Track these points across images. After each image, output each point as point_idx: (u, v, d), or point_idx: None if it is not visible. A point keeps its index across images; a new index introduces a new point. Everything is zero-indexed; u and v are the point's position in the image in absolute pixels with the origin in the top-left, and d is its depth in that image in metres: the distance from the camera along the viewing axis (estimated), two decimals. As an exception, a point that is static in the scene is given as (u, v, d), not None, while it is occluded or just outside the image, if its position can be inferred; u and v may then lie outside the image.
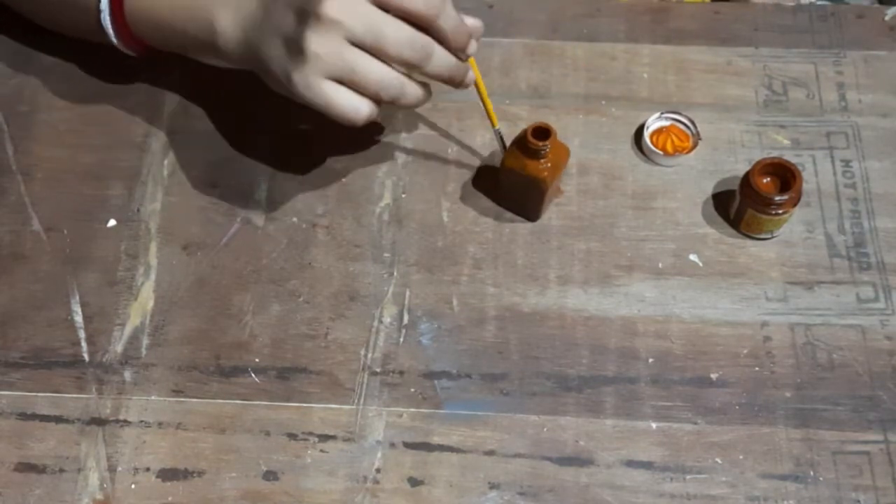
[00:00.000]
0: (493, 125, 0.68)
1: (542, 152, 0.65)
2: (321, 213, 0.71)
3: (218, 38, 0.63)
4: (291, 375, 0.65)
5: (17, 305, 0.67)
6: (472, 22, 0.63)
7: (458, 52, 0.61)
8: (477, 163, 0.73)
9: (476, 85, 0.66)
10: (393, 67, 0.59)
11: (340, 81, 0.58)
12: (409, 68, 0.59)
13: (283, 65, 0.58)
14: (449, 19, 0.59)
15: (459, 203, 0.71)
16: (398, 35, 0.57)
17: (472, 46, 0.62)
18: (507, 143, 0.68)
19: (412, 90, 0.60)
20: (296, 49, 0.57)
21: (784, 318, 0.66)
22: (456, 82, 0.63)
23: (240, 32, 0.62)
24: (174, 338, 0.66)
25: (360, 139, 0.73)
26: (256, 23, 0.60)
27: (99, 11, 0.66)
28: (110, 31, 0.68)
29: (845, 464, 0.61)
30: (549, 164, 0.66)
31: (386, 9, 0.57)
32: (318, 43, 0.56)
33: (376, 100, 0.59)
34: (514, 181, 0.67)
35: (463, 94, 0.75)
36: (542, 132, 0.65)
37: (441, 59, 0.60)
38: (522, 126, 0.73)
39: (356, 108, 0.58)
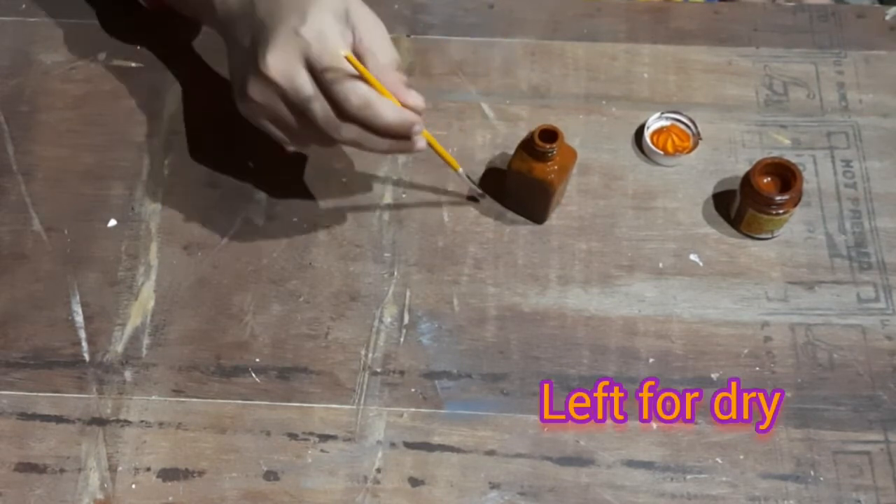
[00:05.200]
0: (454, 169, 0.67)
1: (549, 155, 0.65)
2: (321, 213, 0.71)
3: (214, 15, 0.64)
4: (292, 375, 0.65)
5: (17, 305, 0.67)
6: (413, 104, 0.60)
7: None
8: (477, 163, 0.72)
9: (429, 143, 0.64)
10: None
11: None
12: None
13: (234, 82, 0.62)
14: (378, 119, 0.58)
15: (460, 203, 0.71)
16: (323, 114, 0.59)
17: (415, 127, 0.60)
18: (476, 181, 0.69)
19: (368, 139, 0.60)
20: (242, 81, 0.60)
21: (784, 318, 0.66)
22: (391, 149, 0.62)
23: (224, 18, 0.63)
24: (175, 338, 0.66)
25: (361, 139, 0.74)
26: (233, 22, 0.62)
27: None
28: None
29: (846, 464, 0.61)
30: (556, 167, 0.65)
31: (320, 84, 0.58)
32: (256, 91, 0.60)
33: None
34: (520, 184, 0.67)
35: (463, 94, 0.76)
36: (550, 135, 0.65)
37: (368, 141, 0.60)
38: (523, 126, 0.73)
39: (284, 140, 0.63)
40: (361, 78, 0.58)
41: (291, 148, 0.64)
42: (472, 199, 0.71)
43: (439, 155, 0.66)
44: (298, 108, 0.59)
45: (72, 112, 0.75)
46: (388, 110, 0.58)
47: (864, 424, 0.63)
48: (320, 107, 0.58)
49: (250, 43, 0.60)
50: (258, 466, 0.62)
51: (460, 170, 0.68)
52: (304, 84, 0.58)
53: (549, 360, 0.65)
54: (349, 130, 0.59)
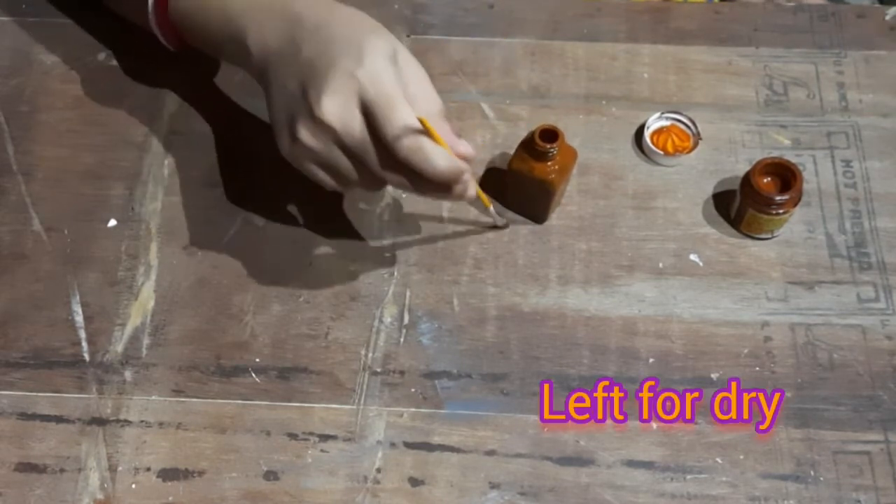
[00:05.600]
0: (486, 206, 0.67)
1: (550, 155, 0.65)
2: (321, 213, 0.70)
3: (249, 58, 0.62)
4: (292, 375, 0.65)
5: (17, 305, 0.67)
6: (464, 153, 0.59)
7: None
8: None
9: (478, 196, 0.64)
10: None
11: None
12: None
13: (278, 125, 0.60)
14: (430, 165, 0.57)
15: (460, 203, 0.71)
16: (376, 158, 0.58)
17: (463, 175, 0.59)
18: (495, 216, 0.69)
19: (420, 185, 0.59)
20: (290, 124, 0.59)
21: (785, 318, 0.66)
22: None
23: (262, 61, 0.61)
24: (175, 338, 0.66)
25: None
26: (274, 64, 0.61)
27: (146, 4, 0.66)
28: (154, 25, 0.68)
29: (846, 464, 0.61)
30: (556, 167, 0.66)
31: (373, 127, 0.57)
32: (308, 136, 0.58)
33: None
34: (521, 184, 0.67)
35: (463, 94, 0.76)
36: (550, 135, 0.65)
37: (418, 186, 0.59)
38: (523, 126, 0.73)
39: (329, 184, 0.61)
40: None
41: (337, 189, 0.62)
42: (495, 227, 0.70)
43: (480, 199, 0.66)
44: (352, 151, 0.58)
45: (72, 112, 0.75)
46: (440, 157, 0.57)
47: (864, 424, 0.63)
48: (373, 150, 0.57)
49: (298, 86, 0.58)
50: (258, 466, 0.62)
51: (490, 207, 0.67)
52: (361, 128, 0.57)
53: (549, 360, 0.65)
54: (399, 175, 0.58)
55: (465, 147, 0.59)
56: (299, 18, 0.60)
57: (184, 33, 0.68)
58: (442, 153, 0.57)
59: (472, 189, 0.61)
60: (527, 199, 0.69)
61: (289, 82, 0.59)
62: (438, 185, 0.58)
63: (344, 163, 0.58)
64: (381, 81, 0.56)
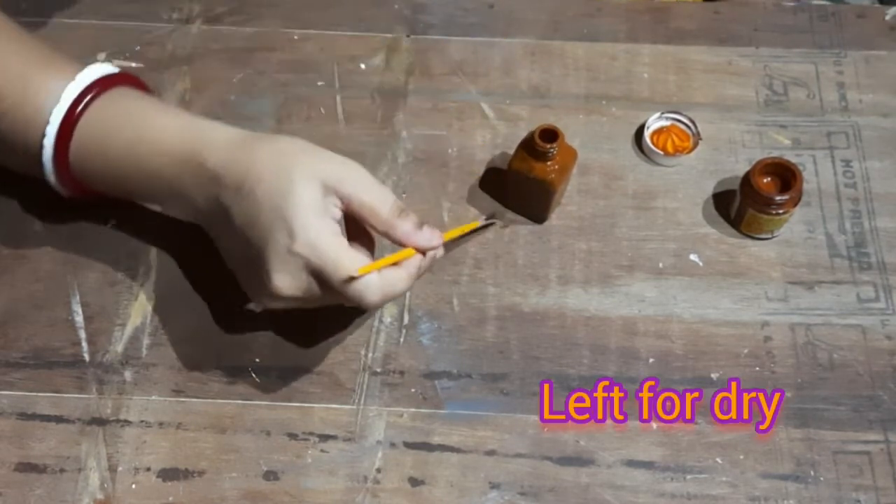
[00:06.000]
0: (475, 225, 0.68)
1: (550, 154, 0.65)
2: (321, 213, 0.70)
3: (180, 212, 0.63)
4: (292, 375, 0.65)
5: (17, 305, 0.67)
6: (430, 246, 0.60)
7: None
8: (477, 162, 0.73)
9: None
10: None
11: None
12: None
13: (242, 283, 0.61)
14: (399, 293, 0.58)
15: (459, 203, 0.71)
16: (344, 302, 0.58)
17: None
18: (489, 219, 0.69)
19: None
20: (252, 288, 0.60)
21: (784, 318, 0.66)
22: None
23: (195, 219, 0.62)
24: (175, 338, 0.66)
25: (361, 139, 0.74)
26: (209, 226, 0.61)
27: (41, 148, 0.61)
28: (54, 180, 0.63)
29: (846, 464, 0.61)
30: (556, 167, 0.66)
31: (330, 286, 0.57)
32: (272, 302, 0.58)
33: None
34: (521, 183, 0.67)
35: (463, 94, 0.76)
36: (550, 134, 0.65)
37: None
38: (523, 126, 0.73)
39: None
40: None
41: None
42: (490, 223, 0.70)
43: (459, 234, 0.66)
44: (318, 299, 0.58)
45: (72, 112, 0.75)
46: (402, 284, 0.58)
47: (864, 424, 0.63)
48: (338, 299, 0.58)
49: (242, 256, 0.58)
50: (258, 466, 0.62)
51: (478, 223, 0.68)
52: (316, 287, 0.57)
53: (549, 360, 0.65)
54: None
55: (427, 239, 0.59)
56: (217, 177, 0.58)
57: (93, 187, 0.64)
58: (402, 280, 0.57)
59: (439, 252, 0.61)
60: (527, 199, 0.69)
61: (232, 249, 0.60)
62: (415, 276, 0.59)
63: (316, 304, 0.59)
64: (318, 246, 0.55)
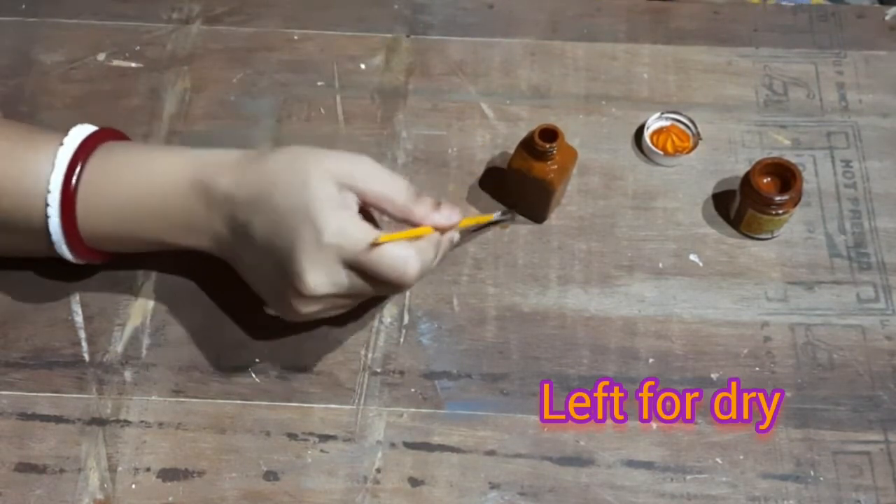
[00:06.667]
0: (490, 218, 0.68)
1: (549, 154, 0.65)
2: (321, 213, 0.70)
3: (202, 251, 0.61)
4: (292, 375, 0.65)
5: (17, 305, 0.67)
6: (449, 225, 0.60)
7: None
8: (477, 162, 0.73)
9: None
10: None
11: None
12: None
13: (271, 303, 0.61)
14: (411, 282, 0.58)
15: (460, 203, 0.71)
16: (375, 291, 0.58)
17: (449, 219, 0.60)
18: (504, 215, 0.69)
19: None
20: (283, 301, 0.58)
21: (784, 318, 0.66)
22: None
23: (218, 252, 0.61)
24: (174, 338, 0.66)
25: (361, 139, 0.74)
26: (232, 251, 0.60)
27: (47, 218, 0.59)
28: (60, 239, 0.60)
29: (846, 464, 0.61)
30: (556, 167, 0.66)
31: (361, 269, 0.56)
32: (308, 307, 0.58)
33: None
34: (520, 183, 0.67)
35: (463, 94, 0.76)
36: (550, 134, 0.65)
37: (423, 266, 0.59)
38: (523, 126, 0.73)
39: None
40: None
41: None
42: (505, 218, 0.70)
43: (475, 224, 0.68)
44: (353, 295, 0.58)
45: (72, 112, 0.75)
46: (431, 255, 0.58)
47: (864, 424, 0.63)
48: (371, 287, 0.57)
49: (272, 269, 0.57)
50: (258, 466, 0.62)
51: (494, 216, 0.69)
52: (351, 278, 0.56)
53: (549, 360, 0.65)
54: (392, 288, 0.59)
55: (447, 218, 0.59)
56: (230, 197, 0.58)
57: (105, 246, 0.63)
58: (414, 263, 0.56)
59: (455, 236, 0.62)
60: (526, 199, 0.69)
61: (260, 266, 0.59)
62: (439, 256, 0.60)
63: (349, 303, 0.60)
64: (347, 230, 0.55)
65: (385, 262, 0.56)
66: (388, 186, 0.58)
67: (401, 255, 0.56)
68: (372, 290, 0.58)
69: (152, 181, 0.60)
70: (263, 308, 0.64)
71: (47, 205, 0.59)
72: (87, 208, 0.60)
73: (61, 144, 0.59)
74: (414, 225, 0.59)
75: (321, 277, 0.56)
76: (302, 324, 0.63)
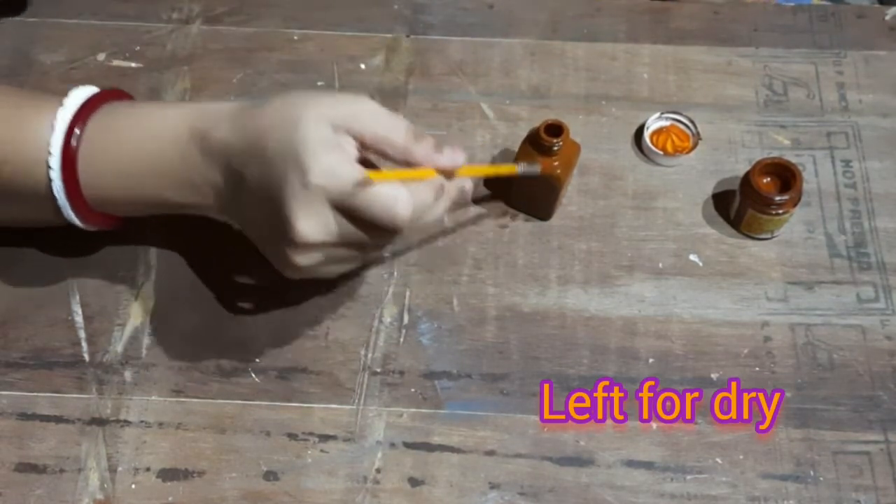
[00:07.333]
0: (513, 170, 0.64)
1: (555, 149, 0.65)
2: (321, 213, 0.70)
3: (203, 210, 0.60)
4: (292, 375, 0.65)
5: (17, 305, 0.67)
6: (449, 165, 0.58)
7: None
8: (477, 163, 0.72)
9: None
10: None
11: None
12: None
13: (270, 257, 0.58)
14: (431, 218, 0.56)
15: (460, 203, 0.71)
16: (360, 238, 0.55)
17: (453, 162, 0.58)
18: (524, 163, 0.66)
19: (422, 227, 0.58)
20: (280, 254, 0.56)
21: (784, 318, 0.66)
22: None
23: (218, 208, 0.59)
24: (175, 338, 0.66)
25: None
26: (228, 203, 0.58)
27: (50, 181, 0.59)
28: (63, 201, 0.60)
29: (846, 464, 0.61)
30: (561, 162, 0.66)
31: (353, 212, 0.54)
32: (302, 257, 0.55)
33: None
34: (526, 180, 0.67)
35: (463, 94, 0.76)
36: (555, 129, 0.65)
37: (424, 223, 0.58)
38: (523, 126, 0.73)
39: (345, 270, 0.59)
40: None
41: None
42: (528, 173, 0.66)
43: (494, 174, 0.65)
44: (348, 243, 0.55)
45: (72, 112, 0.75)
46: (429, 198, 0.56)
47: (864, 424, 0.63)
48: (364, 234, 0.55)
49: (264, 218, 0.55)
50: (258, 466, 0.62)
51: (518, 169, 0.64)
52: (343, 225, 0.54)
53: (549, 360, 0.65)
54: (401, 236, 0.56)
55: (448, 158, 0.57)
56: (227, 145, 0.56)
57: (108, 208, 0.62)
58: (405, 205, 0.54)
59: (467, 184, 0.59)
60: (532, 196, 0.69)
61: (253, 218, 0.57)
62: (442, 204, 0.57)
63: (347, 256, 0.57)
64: (335, 170, 0.53)
65: (375, 201, 0.53)
66: (388, 127, 0.56)
67: (391, 194, 0.53)
68: (366, 237, 0.55)
69: (152, 135, 0.59)
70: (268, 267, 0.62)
71: (49, 167, 0.58)
72: (88, 168, 0.59)
73: (61, 106, 0.59)
74: (415, 165, 0.56)
75: (310, 222, 0.53)
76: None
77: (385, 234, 0.56)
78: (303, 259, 0.55)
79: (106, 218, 0.63)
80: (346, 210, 0.54)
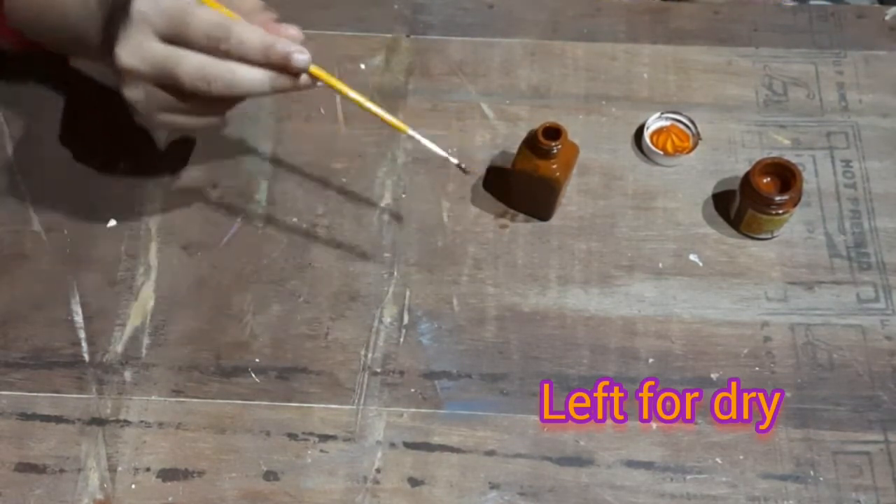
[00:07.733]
0: (404, 132, 0.61)
1: (554, 152, 0.65)
2: (321, 213, 0.71)
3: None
4: (292, 375, 0.65)
5: (17, 305, 0.67)
6: (291, 35, 0.57)
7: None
8: (477, 162, 0.73)
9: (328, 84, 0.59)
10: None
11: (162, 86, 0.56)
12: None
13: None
14: (242, 44, 0.54)
15: (459, 203, 0.71)
16: (195, 67, 0.55)
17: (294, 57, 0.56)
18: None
19: (244, 74, 0.55)
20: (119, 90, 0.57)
21: (784, 318, 0.66)
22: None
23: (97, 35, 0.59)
24: (174, 338, 0.66)
25: (361, 140, 0.74)
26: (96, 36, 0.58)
27: None
28: None
29: (845, 464, 0.61)
30: (560, 164, 0.66)
31: (178, 42, 0.54)
32: (130, 93, 0.56)
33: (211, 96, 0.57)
34: (526, 183, 0.67)
35: (463, 94, 0.76)
36: (553, 132, 0.65)
37: (245, 80, 0.56)
38: (523, 126, 0.73)
39: (189, 123, 0.59)
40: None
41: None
42: (462, 169, 0.63)
43: (371, 112, 0.59)
44: (169, 78, 0.55)
45: (71, 112, 0.75)
46: (250, 32, 0.54)
47: (864, 424, 0.63)
48: (188, 62, 0.54)
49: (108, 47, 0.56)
50: (258, 466, 0.62)
51: (409, 132, 0.60)
52: (162, 52, 0.54)
53: (549, 360, 0.65)
54: (222, 77, 0.55)
55: (287, 29, 0.57)
56: None
57: (28, 32, 0.64)
58: (252, 29, 0.54)
59: (303, 72, 0.57)
60: (532, 198, 0.69)
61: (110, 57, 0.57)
62: (269, 73, 0.55)
63: (174, 102, 0.56)
64: (157, 2, 0.54)
65: (200, 23, 0.53)
66: None
67: (215, 20, 0.54)
68: (182, 71, 0.54)
69: None
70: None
71: None
72: None
73: None
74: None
75: (127, 48, 0.54)
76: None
77: (205, 77, 0.55)
78: (128, 91, 0.56)
79: (19, 38, 0.63)
80: (172, 39, 0.54)
